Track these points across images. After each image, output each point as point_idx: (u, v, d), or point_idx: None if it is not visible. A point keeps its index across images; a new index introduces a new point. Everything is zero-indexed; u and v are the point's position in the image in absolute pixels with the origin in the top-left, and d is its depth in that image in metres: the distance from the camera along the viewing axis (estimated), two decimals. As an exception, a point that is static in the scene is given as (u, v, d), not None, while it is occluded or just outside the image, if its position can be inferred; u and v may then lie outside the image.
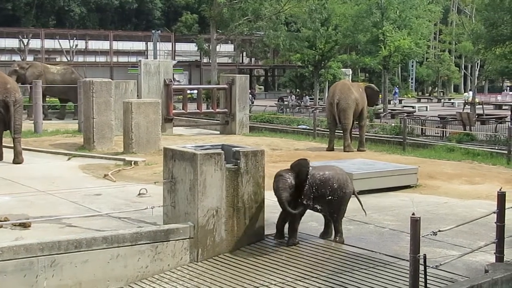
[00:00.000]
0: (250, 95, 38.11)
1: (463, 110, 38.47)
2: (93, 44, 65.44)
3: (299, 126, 28.92)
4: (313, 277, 8.74)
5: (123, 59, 65.06)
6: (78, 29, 70.40)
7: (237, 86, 25.96)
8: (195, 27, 72.77)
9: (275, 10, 44.80)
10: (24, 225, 10.16)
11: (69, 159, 18.25)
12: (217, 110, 26.79)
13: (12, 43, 60.36)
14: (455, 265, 8.63)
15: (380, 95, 47.69)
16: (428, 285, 7.70)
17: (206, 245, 9.72)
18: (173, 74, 30.63)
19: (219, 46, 51.79)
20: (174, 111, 26.10)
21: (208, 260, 9.64)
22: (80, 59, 63.40)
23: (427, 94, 74.61)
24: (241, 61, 72.47)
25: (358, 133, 21.31)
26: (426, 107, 50.39)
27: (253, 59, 75.90)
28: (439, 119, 31.54)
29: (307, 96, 51.80)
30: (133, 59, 61.08)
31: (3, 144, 17.68)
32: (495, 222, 8.68)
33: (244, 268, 9.26)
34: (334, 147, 20.73)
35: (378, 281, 8.47)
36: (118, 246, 9.01)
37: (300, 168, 9.79)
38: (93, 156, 18.46)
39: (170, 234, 9.49)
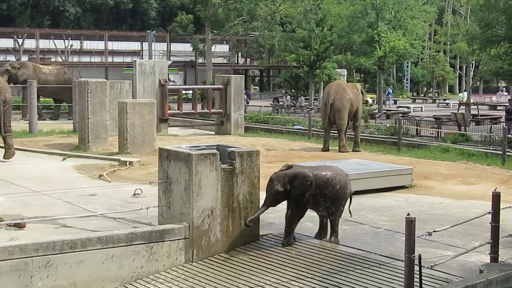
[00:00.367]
0: (245, 96, 38.04)
1: (458, 111, 38.53)
2: (88, 44, 65.33)
3: (294, 127, 28.92)
4: (308, 277, 8.74)
5: (118, 59, 64.98)
6: (73, 29, 70.31)
7: (232, 87, 25.97)
8: (190, 27, 72.78)
9: (270, 10, 44.80)
10: (19, 226, 10.14)
11: (64, 159, 18.23)
12: (212, 110, 26.79)
13: (7, 43, 60.24)
14: (450, 266, 8.64)
15: (375, 95, 47.92)
16: (423, 286, 7.71)
17: (201, 245, 9.71)
18: (168, 74, 30.64)
19: (214, 47, 51.78)
20: (169, 111, 26.10)
21: (203, 261, 9.64)
22: (75, 59, 63.30)
23: (422, 95, 74.71)
24: (236, 62, 72.46)
25: (353, 133, 21.33)
26: (421, 107, 50.44)
27: (248, 60, 75.90)
28: (434, 119, 31.57)
29: (302, 97, 51.82)
30: (128, 59, 61.01)
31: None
32: (490, 223, 8.70)
33: (239, 269, 9.26)
34: (329, 148, 20.75)
35: (373, 281, 8.48)
36: (113, 247, 9.01)
37: (300, 182, 9.76)
38: (88, 157, 18.44)
39: (165, 234, 9.49)
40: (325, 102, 20.79)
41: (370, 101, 44.72)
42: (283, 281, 8.68)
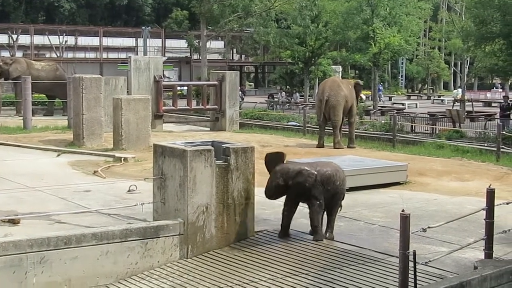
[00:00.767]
0: (240, 92, 38.09)
1: (452, 107, 38.59)
2: (83, 40, 65.27)
3: (289, 123, 28.94)
4: (302, 273, 8.75)
5: (113, 55, 64.95)
6: (68, 25, 70.19)
7: (227, 83, 25.94)
8: (185, 23, 72.65)
9: (265, 6, 44.73)
10: (13, 222, 10.12)
11: (58, 155, 18.19)
12: (207, 106, 26.75)
13: (1, 39, 60.17)
14: (444, 262, 8.65)
15: (370, 92, 47.93)
16: (417, 282, 7.72)
17: (196, 241, 9.71)
18: (163, 70, 30.52)
19: (209, 43, 51.68)
20: (164, 107, 26.04)
21: (198, 257, 9.63)
22: (70, 55, 63.24)
23: (417, 91, 74.77)
24: (231, 58, 72.47)
25: (348, 130, 21.34)
26: (416, 104, 50.54)
27: (243, 56, 75.88)
28: (428, 116, 31.63)
29: (297, 93, 51.83)
30: (123, 55, 61.03)
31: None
32: (484, 219, 8.71)
33: (234, 265, 9.26)
34: (324, 144, 20.75)
35: (368, 277, 8.49)
36: (107, 243, 8.99)
37: (304, 178, 9.78)
38: (82, 153, 18.41)
39: (160, 230, 9.48)
40: (319, 98, 20.79)
41: (363, 97, 44.73)
42: (278, 277, 8.69)
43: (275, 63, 69.66)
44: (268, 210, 11.32)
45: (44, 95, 34.11)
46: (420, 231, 7.95)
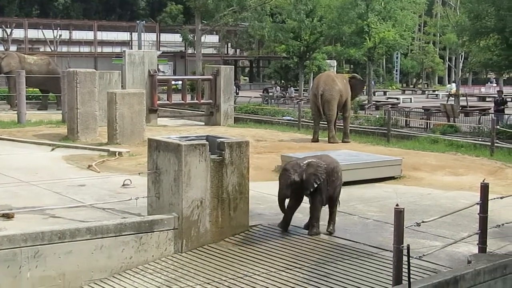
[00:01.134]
0: (235, 86, 38.01)
1: (447, 102, 38.61)
2: (77, 34, 65.03)
3: (283, 118, 28.93)
4: (297, 267, 8.76)
5: (107, 49, 64.75)
6: (62, 19, 69.93)
7: (222, 77, 25.92)
8: (180, 17, 72.47)
9: (260, 1, 44.67)
10: (8, 216, 10.11)
11: (52, 149, 18.17)
12: (202, 101, 26.74)
13: (-5, 33, 59.95)
14: (438, 256, 8.68)
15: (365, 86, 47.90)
16: (411, 276, 7.73)
17: (191, 236, 9.71)
18: (158, 64, 30.50)
19: (204, 37, 51.59)
20: (158, 102, 26.01)
21: (193, 251, 9.64)
22: (64, 49, 63.01)
23: (412, 86, 74.76)
24: (226, 52, 72.32)
25: (342, 124, 21.34)
26: (411, 98, 50.50)
27: (238, 50, 75.73)
28: (423, 110, 31.64)
29: (292, 88, 51.80)
30: (117, 49, 60.85)
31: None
32: (478, 213, 8.74)
33: (229, 259, 9.27)
34: (319, 139, 20.77)
35: (362, 271, 8.51)
36: (102, 237, 9.00)
37: (315, 169, 9.81)
38: (77, 147, 18.39)
39: (154, 225, 9.48)
40: (314, 93, 20.79)
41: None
42: (272, 271, 8.70)
43: (270, 58, 69.56)
44: (262, 205, 11.33)
45: (38, 89, 34.01)
46: (414, 226, 7.98)
